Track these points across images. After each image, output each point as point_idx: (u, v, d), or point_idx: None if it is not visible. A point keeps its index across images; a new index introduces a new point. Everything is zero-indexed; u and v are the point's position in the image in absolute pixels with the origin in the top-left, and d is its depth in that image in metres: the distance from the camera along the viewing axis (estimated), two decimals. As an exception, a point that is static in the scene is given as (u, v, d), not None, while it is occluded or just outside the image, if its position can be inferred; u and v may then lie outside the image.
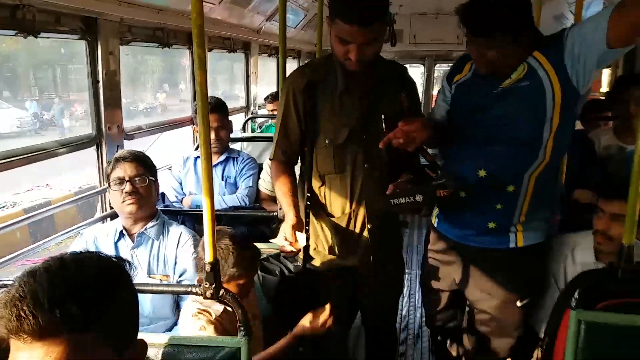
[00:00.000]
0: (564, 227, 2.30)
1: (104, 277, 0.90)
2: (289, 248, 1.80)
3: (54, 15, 2.07)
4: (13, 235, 6.08)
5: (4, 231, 2.05)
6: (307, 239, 1.92)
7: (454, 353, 2.34)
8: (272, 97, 4.80)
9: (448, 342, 2.36)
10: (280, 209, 2.28)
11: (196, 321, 1.74)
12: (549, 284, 2.12)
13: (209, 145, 1.42)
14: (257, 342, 1.83)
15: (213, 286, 1.44)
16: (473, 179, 1.85)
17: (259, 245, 2.30)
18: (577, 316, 1.61)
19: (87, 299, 0.83)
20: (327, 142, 1.90)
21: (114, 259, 0.96)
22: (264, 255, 2.18)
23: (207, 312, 1.77)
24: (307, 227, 1.95)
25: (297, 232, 1.80)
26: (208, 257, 1.44)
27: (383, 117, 1.82)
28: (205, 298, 1.47)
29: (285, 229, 1.81)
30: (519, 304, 2.00)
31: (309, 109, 1.90)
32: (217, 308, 1.78)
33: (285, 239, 1.79)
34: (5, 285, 1.63)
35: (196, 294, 1.48)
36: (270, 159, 2.04)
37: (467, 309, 2.26)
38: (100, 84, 2.35)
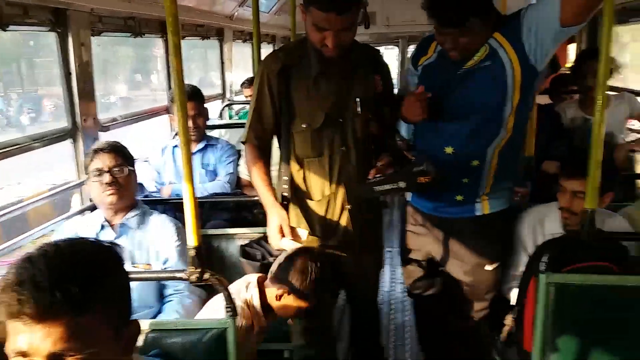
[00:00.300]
0: (534, 199, 2.41)
1: (99, 259, 0.94)
2: (292, 245, 1.82)
3: (21, 7, 2.05)
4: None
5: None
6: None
7: (433, 320, 2.44)
8: (249, 83, 4.79)
9: (427, 309, 2.46)
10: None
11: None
12: (519, 254, 2.21)
13: (187, 132, 1.46)
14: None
15: (198, 270, 1.49)
16: (441, 155, 1.94)
17: (242, 230, 2.36)
18: (546, 279, 1.71)
19: (85, 281, 0.87)
20: (303, 126, 1.93)
21: (105, 244, 1.00)
22: (247, 241, 2.23)
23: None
24: (286, 211, 1.99)
25: (297, 229, 1.84)
26: (192, 242, 1.48)
27: (358, 100, 1.87)
28: (191, 282, 1.52)
29: (282, 225, 1.83)
30: (488, 267, 2.11)
31: (283, 93, 1.92)
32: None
33: (282, 237, 1.82)
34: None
35: (181, 279, 1.53)
36: (242, 142, 2.04)
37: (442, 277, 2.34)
38: (73, 76, 2.33)
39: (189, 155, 1.46)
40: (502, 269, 2.19)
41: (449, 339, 2.35)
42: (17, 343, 0.85)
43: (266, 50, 5.90)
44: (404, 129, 2.39)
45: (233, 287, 1.82)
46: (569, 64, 5.16)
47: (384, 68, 2.06)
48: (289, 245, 1.82)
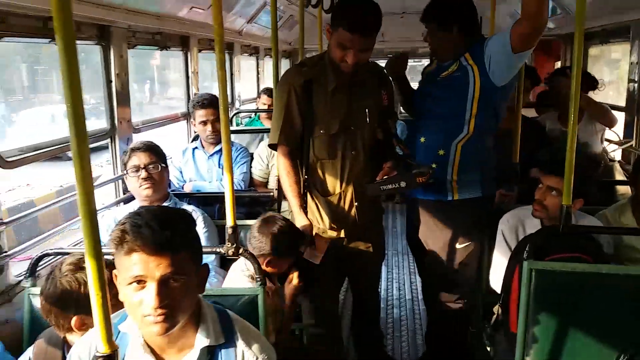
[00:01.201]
0: (521, 200, 2.72)
1: (184, 215, 1.28)
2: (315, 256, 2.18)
3: (76, 24, 2.34)
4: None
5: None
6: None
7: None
8: (266, 91, 5.02)
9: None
10: (276, 189, 2.61)
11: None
12: (503, 250, 2.50)
13: (228, 133, 1.74)
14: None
15: (234, 246, 1.77)
16: (417, 144, 2.46)
17: (254, 222, 2.63)
18: (529, 266, 1.97)
19: (180, 228, 1.21)
20: (321, 131, 2.23)
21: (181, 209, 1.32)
22: None
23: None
24: (305, 205, 2.28)
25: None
26: (230, 222, 1.76)
27: (367, 110, 2.19)
28: (228, 256, 1.80)
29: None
30: (458, 245, 2.51)
31: (307, 103, 2.22)
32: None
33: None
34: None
35: (220, 253, 1.81)
36: (273, 144, 2.29)
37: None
38: (113, 83, 2.62)
39: (229, 153, 1.75)
40: (488, 263, 2.51)
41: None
42: (134, 271, 1.16)
43: (269, 62, 6.21)
44: (398, 130, 2.78)
45: (237, 266, 2.12)
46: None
47: (389, 84, 2.38)
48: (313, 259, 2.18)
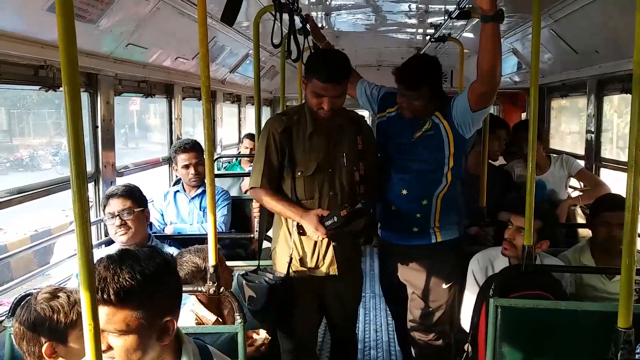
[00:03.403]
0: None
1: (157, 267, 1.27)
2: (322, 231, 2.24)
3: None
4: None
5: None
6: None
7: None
8: (248, 135, 5.21)
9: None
10: (256, 231, 2.71)
11: (193, 315, 2.14)
12: (473, 289, 2.62)
13: (213, 175, 1.85)
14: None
15: (215, 284, 1.85)
16: (399, 196, 2.57)
17: (237, 263, 2.72)
18: (495, 303, 2.10)
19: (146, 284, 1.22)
20: (299, 173, 2.37)
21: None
22: (243, 272, 2.58)
23: (202, 323, 2.15)
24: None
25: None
26: (211, 261, 1.85)
27: (345, 154, 2.34)
28: (209, 295, 1.88)
29: (312, 222, 2.25)
30: (444, 286, 2.63)
31: (286, 147, 2.36)
32: (211, 318, 2.16)
33: (316, 229, 2.24)
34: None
35: (201, 292, 1.89)
36: (254, 187, 2.42)
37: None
38: (99, 129, 2.73)
39: (213, 196, 1.86)
40: (458, 302, 2.63)
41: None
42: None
43: (250, 109, 6.41)
44: None
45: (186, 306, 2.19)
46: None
47: (365, 129, 2.53)
48: (322, 231, 2.25)
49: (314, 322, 2.59)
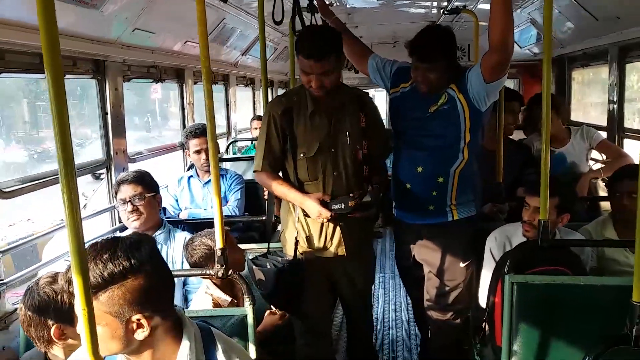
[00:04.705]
0: (508, 219, 2.80)
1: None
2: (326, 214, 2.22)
3: (72, 59, 2.47)
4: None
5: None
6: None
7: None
8: (257, 117, 5.25)
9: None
10: (266, 215, 2.70)
11: (209, 297, 2.16)
12: (490, 266, 2.57)
13: (217, 159, 1.84)
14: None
15: (223, 267, 1.85)
16: (413, 174, 2.49)
17: (250, 246, 2.72)
18: (510, 279, 2.06)
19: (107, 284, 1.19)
20: (302, 154, 2.33)
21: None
22: (254, 255, 2.58)
23: (219, 304, 2.16)
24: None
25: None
26: (219, 244, 1.84)
27: (347, 133, 2.29)
28: (218, 277, 1.88)
29: (314, 206, 2.23)
30: (462, 264, 2.57)
31: (287, 129, 2.33)
32: (226, 299, 2.17)
33: (320, 214, 2.22)
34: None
35: (210, 275, 1.89)
36: (256, 171, 2.41)
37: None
38: (109, 115, 2.74)
39: (218, 178, 1.85)
40: (476, 280, 2.58)
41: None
42: None
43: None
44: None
45: (201, 289, 2.23)
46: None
47: (369, 107, 2.46)
48: (326, 214, 2.23)
49: (326, 303, 2.58)
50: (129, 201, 2.45)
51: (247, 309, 1.85)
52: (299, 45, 2.19)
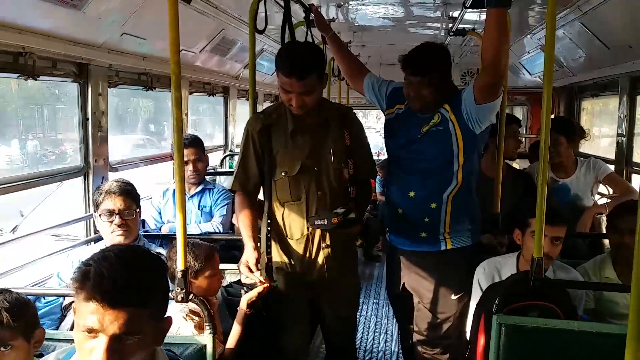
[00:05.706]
0: (508, 250, 2.64)
1: (154, 266, 1.19)
2: (251, 278, 2.04)
3: (51, 61, 2.37)
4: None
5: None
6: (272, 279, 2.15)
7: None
8: None
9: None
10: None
11: (190, 322, 1.98)
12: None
13: (182, 173, 1.72)
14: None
15: (183, 291, 1.70)
16: (405, 198, 2.39)
17: (231, 266, 2.58)
18: (499, 320, 1.90)
19: (146, 284, 1.12)
20: (282, 174, 2.20)
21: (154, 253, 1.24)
22: (227, 282, 2.44)
23: (196, 313, 2.01)
24: (269, 250, 2.22)
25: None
26: (180, 265, 1.70)
27: (332, 151, 2.16)
28: (177, 302, 1.73)
29: (248, 258, 2.07)
30: (453, 297, 2.43)
31: (265, 147, 2.21)
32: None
33: (248, 269, 2.04)
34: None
35: (170, 298, 1.74)
36: (231, 191, 2.32)
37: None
38: (90, 121, 2.63)
39: (183, 191, 1.72)
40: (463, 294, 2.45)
41: None
42: (88, 321, 1.07)
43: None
44: (377, 184, 2.72)
45: (175, 306, 2.02)
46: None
47: (353, 124, 2.33)
48: (249, 279, 2.05)
49: (305, 331, 2.42)
50: (118, 214, 2.32)
51: (207, 337, 1.70)
52: (278, 62, 2.07)
